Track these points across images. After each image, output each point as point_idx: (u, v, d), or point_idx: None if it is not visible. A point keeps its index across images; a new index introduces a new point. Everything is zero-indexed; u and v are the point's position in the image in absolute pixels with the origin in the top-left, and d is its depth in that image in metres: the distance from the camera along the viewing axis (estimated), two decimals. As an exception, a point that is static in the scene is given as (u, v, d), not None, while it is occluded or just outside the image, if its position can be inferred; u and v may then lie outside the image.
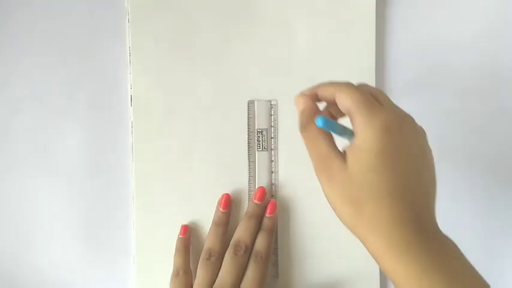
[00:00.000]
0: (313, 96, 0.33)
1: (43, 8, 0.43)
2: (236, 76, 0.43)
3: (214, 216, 0.43)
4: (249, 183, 0.44)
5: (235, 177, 0.44)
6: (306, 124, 0.33)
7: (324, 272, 0.44)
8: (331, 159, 0.30)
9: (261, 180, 0.44)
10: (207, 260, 0.41)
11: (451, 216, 0.44)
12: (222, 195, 0.43)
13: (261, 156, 0.43)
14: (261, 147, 0.43)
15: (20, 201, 0.44)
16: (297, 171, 0.44)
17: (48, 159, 0.44)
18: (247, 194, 0.44)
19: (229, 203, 0.43)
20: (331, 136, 0.32)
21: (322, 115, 0.31)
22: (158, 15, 0.43)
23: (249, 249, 0.41)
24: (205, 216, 0.43)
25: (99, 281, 0.45)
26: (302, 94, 0.34)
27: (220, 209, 0.43)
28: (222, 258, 0.41)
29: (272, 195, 0.44)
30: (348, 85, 0.31)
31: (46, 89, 0.44)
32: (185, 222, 0.44)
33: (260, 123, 0.43)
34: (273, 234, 0.43)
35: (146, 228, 0.43)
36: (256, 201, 0.43)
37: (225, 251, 0.41)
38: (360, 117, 0.30)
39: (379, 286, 0.44)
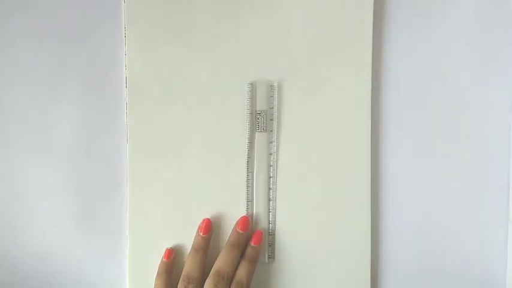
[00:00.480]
0: None
1: None
2: (236, 57, 0.43)
3: (193, 241, 0.43)
4: (247, 165, 0.44)
5: (232, 158, 0.44)
6: None
7: (320, 255, 0.44)
8: None
9: (260, 162, 0.44)
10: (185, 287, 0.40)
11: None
12: (203, 220, 0.43)
13: (259, 138, 0.44)
14: (260, 128, 0.44)
15: (13, 182, 0.44)
16: (296, 153, 0.44)
17: (43, 139, 0.44)
18: (245, 175, 0.44)
19: (209, 228, 0.43)
20: None
21: None
22: (154, -5, 0.42)
23: (230, 278, 0.41)
24: (201, 199, 0.44)
25: (93, 261, 0.45)
26: None
27: (201, 233, 0.42)
28: (201, 285, 0.41)
29: (270, 177, 0.44)
30: None
31: (40, 69, 0.44)
32: (180, 203, 0.44)
33: (260, 104, 0.43)
34: (256, 264, 0.42)
35: (140, 209, 0.43)
36: (239, 230, 0.42)
37: (204, 277, 0.41)
38: None
39: (369, 270, 0.45)
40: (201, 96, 0.43)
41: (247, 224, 0.43)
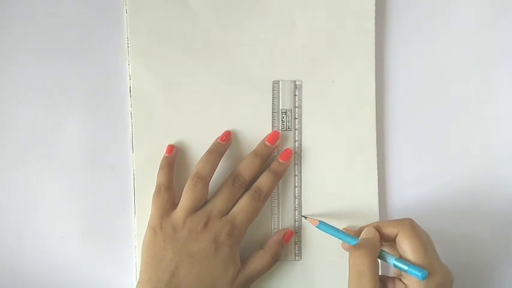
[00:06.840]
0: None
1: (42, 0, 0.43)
2: (243, 59, 0.43)
3: (210, 146, 0.42)
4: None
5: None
6: (368, 250, 0.37)
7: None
8: None
9: (284, 160, 0.44)
10: (193, 186, 0.40)
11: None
12: (224, 132, 0.43)
13: (284, 136, 0.44)
14: (285, 127, 0.44)
15: (20, 193, 0.43)
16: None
17: (48, 151, 0.43)
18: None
19: (228, 137, 0.43)
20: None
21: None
22: (156, 5, 0.42)
23: (247, 184, 0.41)
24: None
25: (100, 273, 0.44)
26: (371, 226, 0.39)
27: (218, 140, 0.42)
28: (208, 186, 0.41)
29: (295, 175, 0.44)
30: (411, 226, 0.37)
31: (45, 81, 0.43)
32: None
33: (284, 103, 0.44)
34: (279, 180, 0.43)
35: (147, 219, 0.41)
36: (267, 142, 0.43)
37: (211, 179, 0.41)
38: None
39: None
40: (207, 102, 0.43)
41: (275, 137, 0.43)
